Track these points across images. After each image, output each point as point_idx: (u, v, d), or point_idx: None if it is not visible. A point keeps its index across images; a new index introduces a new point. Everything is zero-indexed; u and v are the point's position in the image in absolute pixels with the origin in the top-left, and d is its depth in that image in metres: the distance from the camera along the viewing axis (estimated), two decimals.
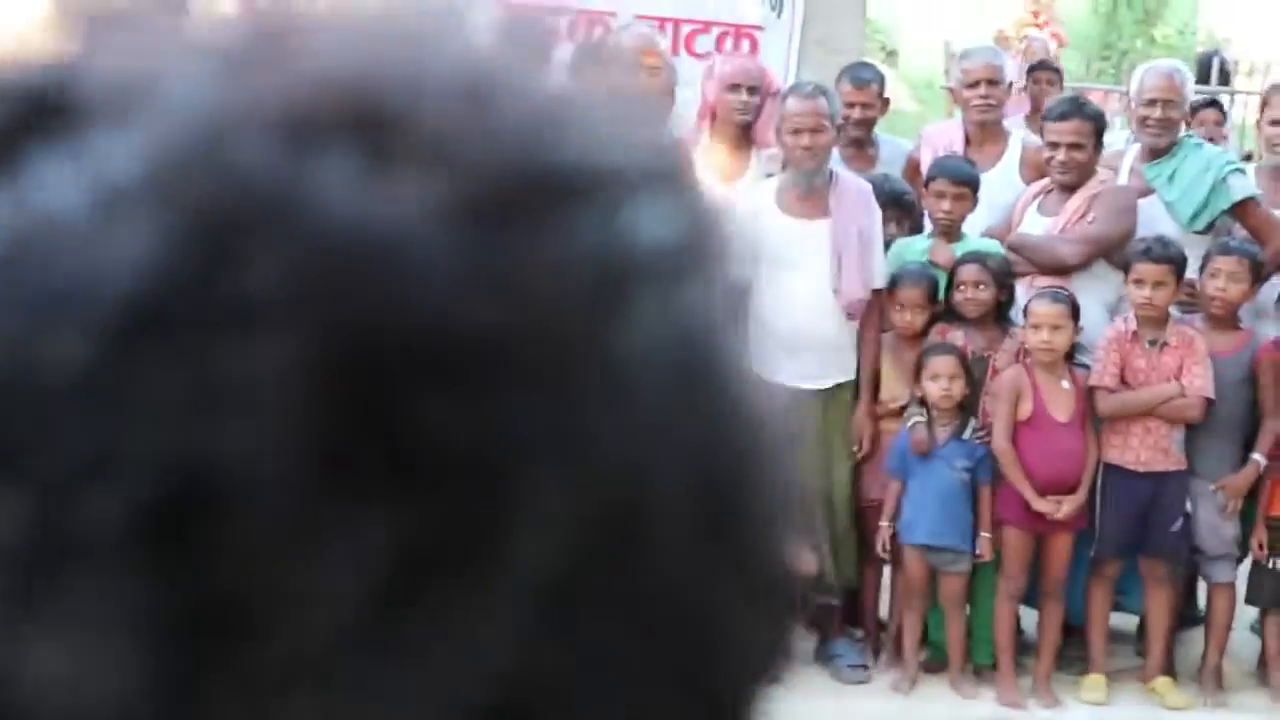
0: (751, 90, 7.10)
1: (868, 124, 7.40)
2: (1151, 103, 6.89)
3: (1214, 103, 9.39)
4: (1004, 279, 6.58)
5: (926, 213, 6.94)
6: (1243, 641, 6.82)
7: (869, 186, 6.68)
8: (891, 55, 23.64)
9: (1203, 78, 17.21)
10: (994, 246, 6.75)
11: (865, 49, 22.34)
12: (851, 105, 7.26)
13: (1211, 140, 7.45)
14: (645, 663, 0.45)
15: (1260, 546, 6.59)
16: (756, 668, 0.48)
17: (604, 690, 0.44)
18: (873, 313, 6.60)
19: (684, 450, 0.44)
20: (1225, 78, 17.49)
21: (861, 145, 7.41)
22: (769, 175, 6.90)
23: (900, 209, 6.93)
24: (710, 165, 6.93)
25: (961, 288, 6.56)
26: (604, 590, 0.44)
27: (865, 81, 7.37)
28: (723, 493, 0.46)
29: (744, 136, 7.14)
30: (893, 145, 7.68)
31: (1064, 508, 6.37)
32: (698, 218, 0.47)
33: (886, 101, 7.56)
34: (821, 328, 6.40)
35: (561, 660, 0.43)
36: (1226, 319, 6.58)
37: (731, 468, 0.46)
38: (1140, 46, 23.20)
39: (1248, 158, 7.38)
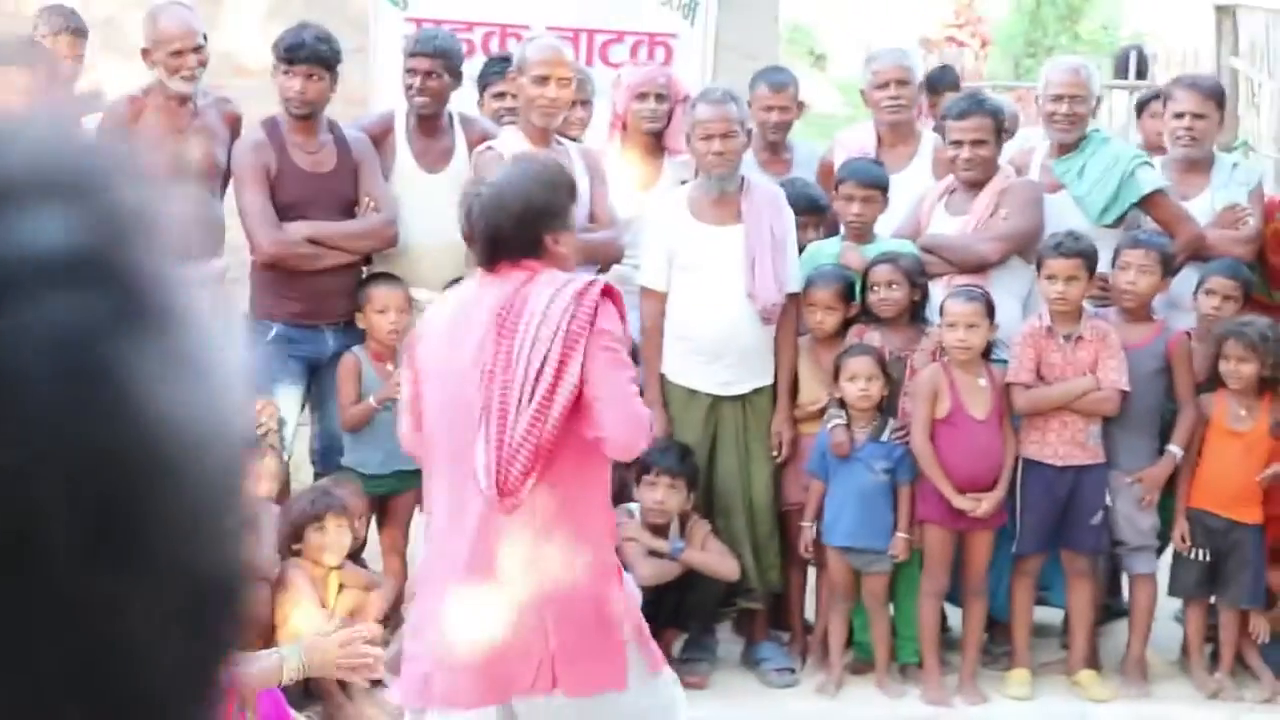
0: (659, 98, 7.12)
1: (784, 127, 7.41)
2: (1058, 98, 6.92)
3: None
4: (916, 278, 6.61)
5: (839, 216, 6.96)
6: (1166, 632, 6.86)
7: (781, 191, 6.70)
8: (820, 59, 23.75)
9: (1121, 72, 17.34)
10: (907, 247, 6.78)
11: (793, 53, 22.47)
12: (769, 109, 7.28)
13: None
14: (30, 664, 0.44)
15: (1182, 538, 6.64)
16: (174, 677, 0.48)
17: None
18: (788, 317, 6.61)
19: (69, 458, 0.44)
20: (1143, 72, 17.61)
21: (777, 149, 7.43)
22: (682, 182, 6.91)
23: (813, 213, 6.95)
24: (624, 173, 6.95)
25: (875, 289, 6.60)
26: None
27: (782, 85, 7.39)
28: (118, 497, 0.45)
29: (655, 144, 7.16)
30: (808, 149, 7.71)
31: (983, 505, 6.39)
32: (104, 227, 0.47)
33: (802, 105, 7.58)
34: (738, 333, 6.43)
35: None
36: (1139, 311, 6.62)
37: (130, 476, 0.45)
38: (1065, 43, 23.37)
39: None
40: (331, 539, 6.00)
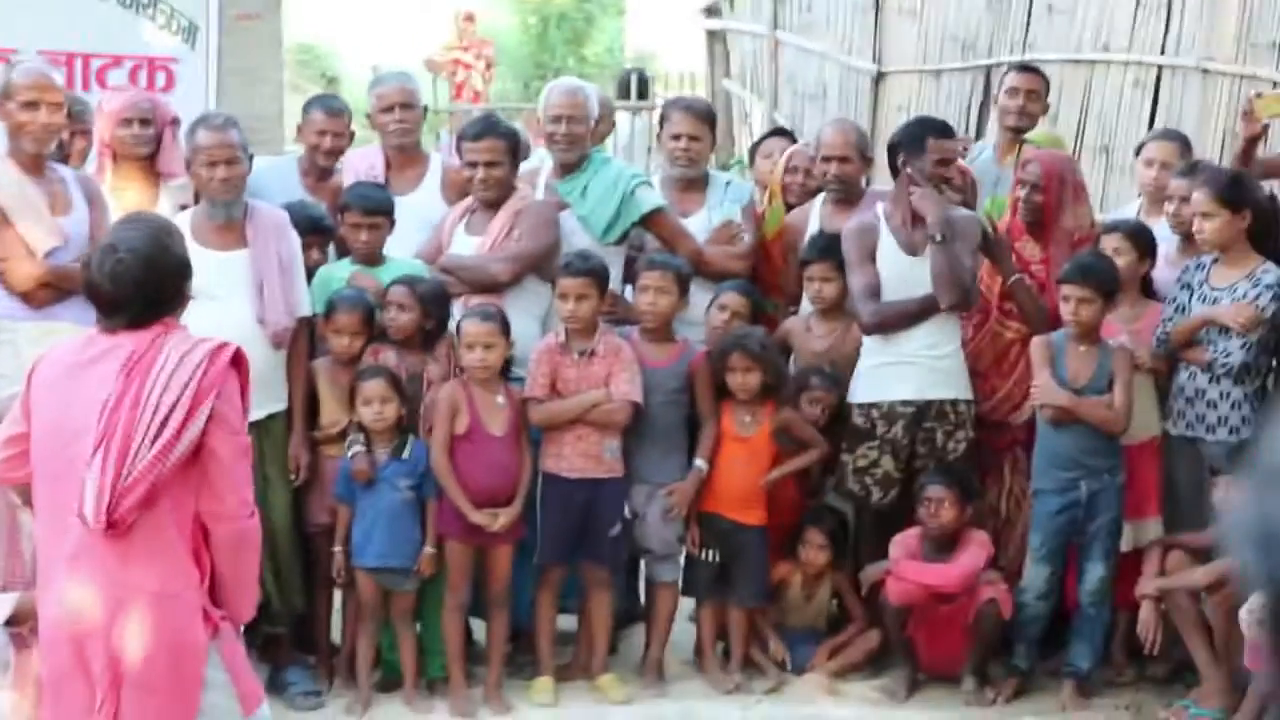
0: (144, 122, 6.99)
1: (338, 153, 7.36)
2: (557, 119, 7.10)
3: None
4: (433, 303, 6.67)
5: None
6: (680, 631, 7.12)
7: (285, 215, 6.66)
8: (332, 82, 23.63)
9: (624, 93, 17.89)
10: (418, 267, 6.86)
11: (305, 76, 22.23)
12: (323, 134, 7.23)
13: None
14: None
15: (694, 541, 6.90)
16: None
17: None
18: (299, 340, 6.60)
19: None
20: (644, 92, 18.25)
21: (327, 175, 7.37)
22: (181, 207, 6.81)
23: (319, 234, 6.94)
24: (120, 199, 6.79)
25: (389, 308, 6.65)
26: None
27: (338, 111, 7.34)
28: None
29: (148, 169, 7.02)
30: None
31: (500, 519, 6.51)
32: None
33: (353, 134, 7.51)
34: (250, 359, 6.26)
35: None
36: (660, 331, 6.85)
37: None
38: (572, 65, 23.93)
39: None
40: None
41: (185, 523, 3.96)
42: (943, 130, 7.07)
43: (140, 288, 3.99)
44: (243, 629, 6.24)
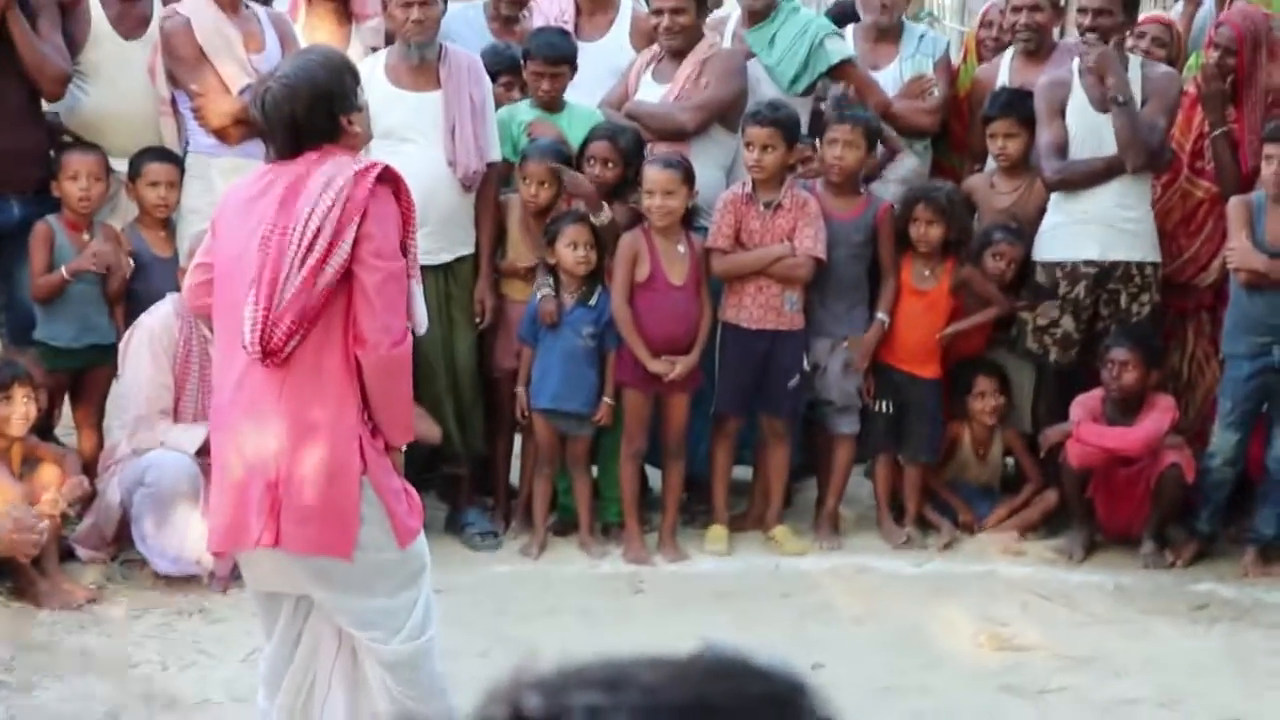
0: None
1: (522, 2, 7.35)
2: None
3: None
4: (632, 157, 6.66)
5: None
6: (853, 485, 7.13)
7: (478, 59, 6.68)
8: None
9: None
10: (599, 116, 6.82)
11: None
12: None
13: None
14: None
15: (868, 392, 6.88)
16: None
17: None
18: (488, 185, 6.62)
19: None
20: None
21: (512, 22, 7.36)
22: (372, 49, 6.85)
23: (518, 74, 6.93)
24: (308, 39, 6.86)
25: (591, 163, 6.63)
26: None
27: None
28: None
29: (341, 9, 7.04)
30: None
31: (677, 368, 6.52)
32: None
33: None
34: (440, 201, 6.39)
35: None
36: (846, 185, 6.79)
37: None
38: None
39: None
40: (17, 409, 5.90)
41: (342, 351, 3.99)
42: None
43: (285, 116, 4.02)
44: (424, 469, 6.46)
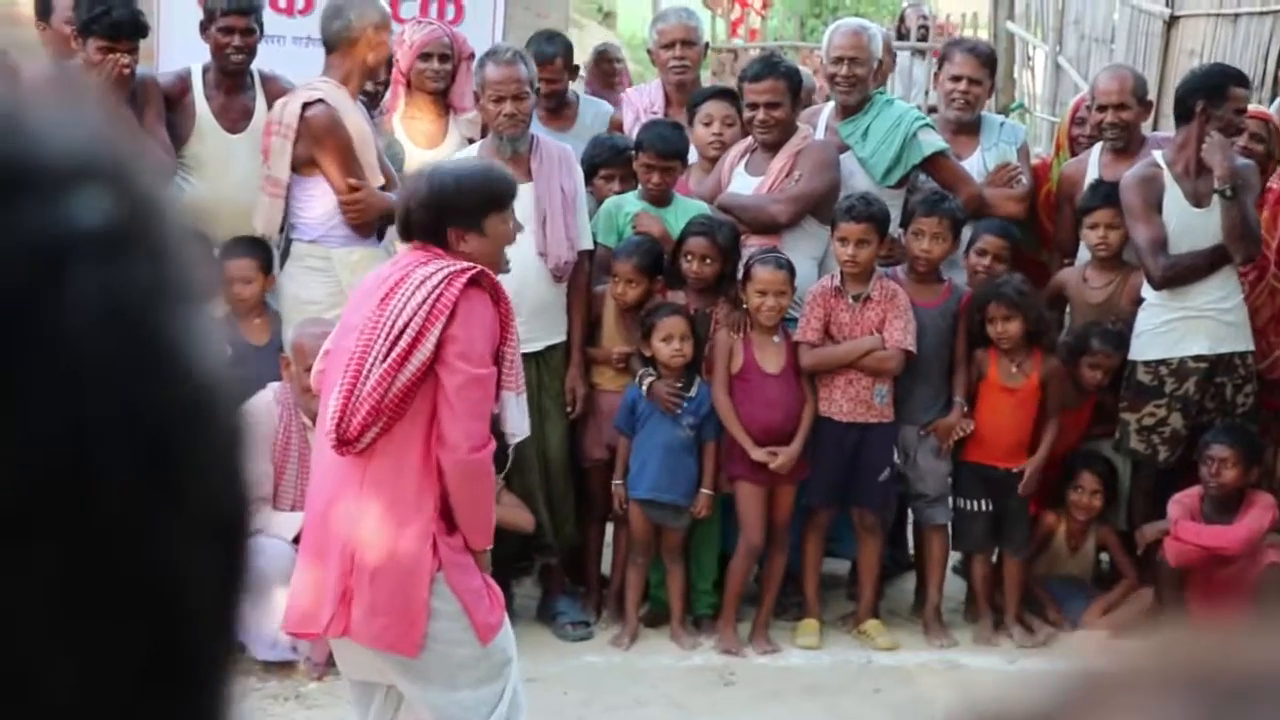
0: (443, 58, 7.08)
1: (557, 95, 7.44)
2: (839, 60, 7.04)
3: None
4: (730, 252, 6.67)
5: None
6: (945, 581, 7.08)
7: (570, 149, 6.73)
8: (609, 16, 23.77)
9: (903, 35, 17.65)
10: (705, 210, 6.83)
11: (582, 10, 22.45)
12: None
13: None
14: (94, 588, 0.52)
15: (960, 491, 6.84)
16: (213, 597, 0.57)
17: (56, 611, 0.51)
18: (579, 274, 6.66)
19: (125, 405, 0.52)
20: (924, 34, 17.99)
21: (558, 109, 7.46)
22: (469, 140, 6.92)
23: (624, 165, 6.97)
24: (407, 130, 6.96)
25: (689, 258, 6.64)
26: (52, 521, 0.51)
27: (548, 57, 7.32)
28: (164, 442, 0.53)
29: (440, 103, 7.14)
30: (593, 106, 7.70)
31: (779, 458, 6.51)
32: (135, 204, 0.54)
33: (576, 69, 7.58)
34: (531, 291, 6.42)
35: (19, 584, 0.50)
36: (930, 273, 6.80)
37: (174, 421, 0.53)
38: (849, 4, 23.67)
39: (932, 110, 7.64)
40: None
41: (424, 450, 4.03)
42: (1240, 79, 6.86)
43: (402, 203, 4.25)
44: (517, 557, 6.48)
